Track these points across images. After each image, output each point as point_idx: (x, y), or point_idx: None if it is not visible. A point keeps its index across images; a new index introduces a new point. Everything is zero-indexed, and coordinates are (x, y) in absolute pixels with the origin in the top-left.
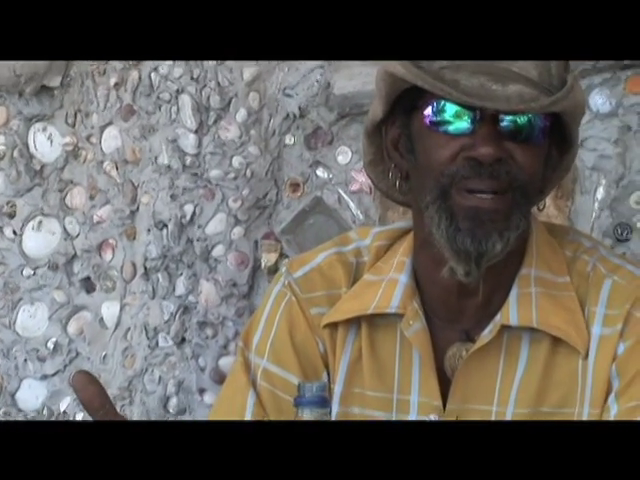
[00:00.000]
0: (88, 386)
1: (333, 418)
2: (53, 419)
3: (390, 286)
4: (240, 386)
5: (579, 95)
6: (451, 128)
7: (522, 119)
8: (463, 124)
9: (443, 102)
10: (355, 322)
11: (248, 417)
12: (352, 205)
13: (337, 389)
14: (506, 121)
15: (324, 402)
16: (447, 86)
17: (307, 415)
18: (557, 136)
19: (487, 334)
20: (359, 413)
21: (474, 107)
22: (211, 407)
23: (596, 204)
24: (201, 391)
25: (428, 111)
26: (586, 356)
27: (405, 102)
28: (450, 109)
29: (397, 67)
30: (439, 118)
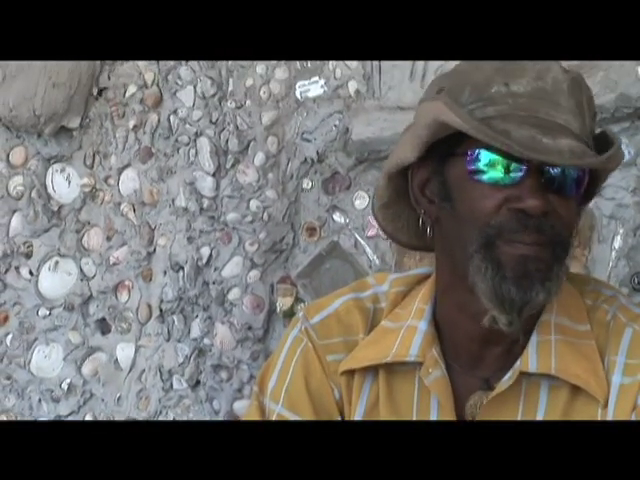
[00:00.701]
0: None
1: None
2: None
3: (409, 333)
4: None
5: (622, 152)
6: (497, 178)
7: (566, 173)
8: (510, 175)
9: (489, 151)
10: (372, 369)
11: None
12: (369, 250)
13: None
14: (550, 174)
15: None
16: (504, 137)
17: None
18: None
19: (506, 380)
20: None
21: (527, 159)
22: None
23: (613, 253)
24: None
25: (472, 160)
26: (605, 405)
27: (441, 148)
28: (496, 159)
29: (451, 117)
30: (484, 167)
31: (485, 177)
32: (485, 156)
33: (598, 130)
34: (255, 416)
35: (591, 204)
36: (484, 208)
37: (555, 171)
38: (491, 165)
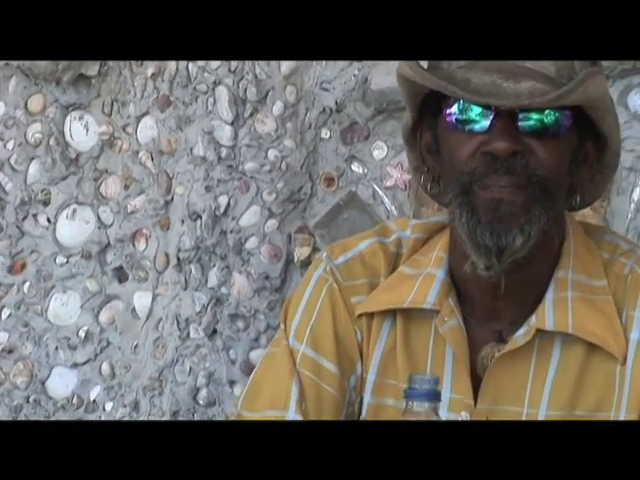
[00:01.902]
0: None
1: (365, 409)
2: (83, 408)
3: (427, 281)
4: (285, 370)
5: (593, 88)
6: (469, 126)
7: (540, 114)
8: (480, 122)
9: (459, 102)
10: (391, 313)
11: (293, 405)
12: (386, 200)
13: (370, 378)
14: (523, 117)
15: (435, 396)
16: (454, 85)
17: (417, 407)
18: (590, 132)
19: (521, 337)
20: (392, 405)
21: (487, 105)
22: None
23: (632, 205)
24: (231, 383)
25: (448, 111)
26: (624, 362)
27: (432, 106)
28: (468, 108)
29: (405, 69)
30: (458, 117)
31: (460, 126)
32: (457, 106)
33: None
34: (284, 356)
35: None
36: (460, 155)
37: (526, 114)
38: (464, 114)
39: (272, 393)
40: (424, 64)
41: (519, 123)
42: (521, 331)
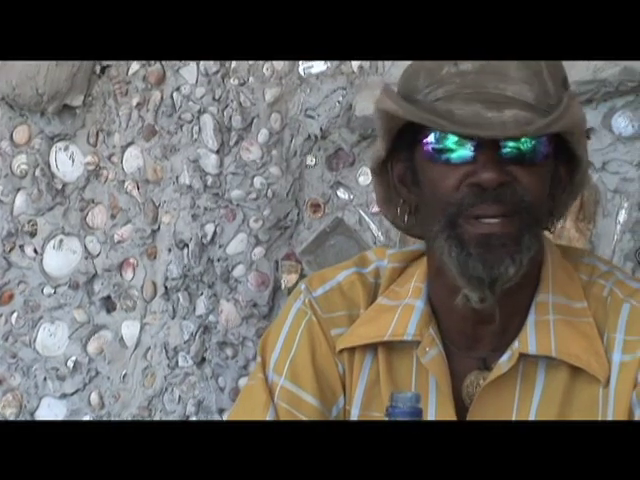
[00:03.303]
0: None
1: None
2: None
3: (406, 312)
4: (259, 403)
5: (576, 113)
6: (452, 157)
7: (524, 143)
8: (464, 152)
9: (436, 133)
10: (372, 346)
11: None
12: (373, 226)
13: (354, 412)
14: (507, 146)
15: (417, 413)
16: (440, 118)
17: None
18: (563, 155)
19: (505, 362)
20: None
21: (474, 137)
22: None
23: (618, 227)
24: (220, 411)
25: (428, 143)
26: (607, 384)
27: (407, 137)
28: (449, 139)
29: (388, 103)
30: (439, 147)
31: (442, 157)
32: (437, 138)
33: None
34: (260, 388)
35: (595, 178)
36: (444, 187)
37: (510, 143)
38: (445, 145)
39: None
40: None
41: (503, 151)
42: (505, 357)
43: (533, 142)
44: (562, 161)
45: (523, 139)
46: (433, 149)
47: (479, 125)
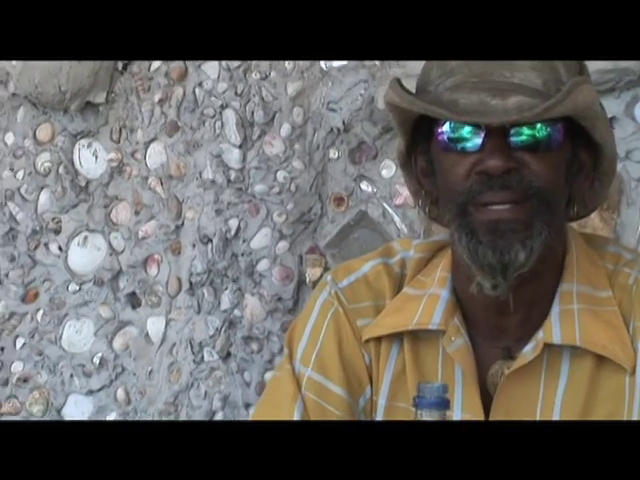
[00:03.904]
0: None
1: None
2: None
3: (432, 301)
4: (288, 394)
5: (581, 98)
6: (461, 146)
7: (530, 128)
8: (472, 140)
9: (450, 123)
10: (398, 336)
11: None
12: (397, 219)
13: (381, 402)
14: (514, 132)
15: (444, 404)
16: (443, 107)
17: (427, 416)
18: (583, 141)
19: (529, 352)
20: None
21: (477, 124)
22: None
23: None
24: (247, 406)
25: (440, 132)
26: (633, 372)
27: (424, 129)
28: (459, 127)
29: (392, 96)
30: (450, 136)
31: (452, 147)
32: (447, 126)
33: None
34: (288, 379)
35: (619, 167)
36: (455, 176)
37: (517, 129)
38: (455, 135)
39: (276, 417)
40: (411, 88)
41: (511, 139)
42: (529, 346)
43: (542, 127)
44: (583, 147)
45: (530, 125)
46: (445, 139)
47: (482, 113)
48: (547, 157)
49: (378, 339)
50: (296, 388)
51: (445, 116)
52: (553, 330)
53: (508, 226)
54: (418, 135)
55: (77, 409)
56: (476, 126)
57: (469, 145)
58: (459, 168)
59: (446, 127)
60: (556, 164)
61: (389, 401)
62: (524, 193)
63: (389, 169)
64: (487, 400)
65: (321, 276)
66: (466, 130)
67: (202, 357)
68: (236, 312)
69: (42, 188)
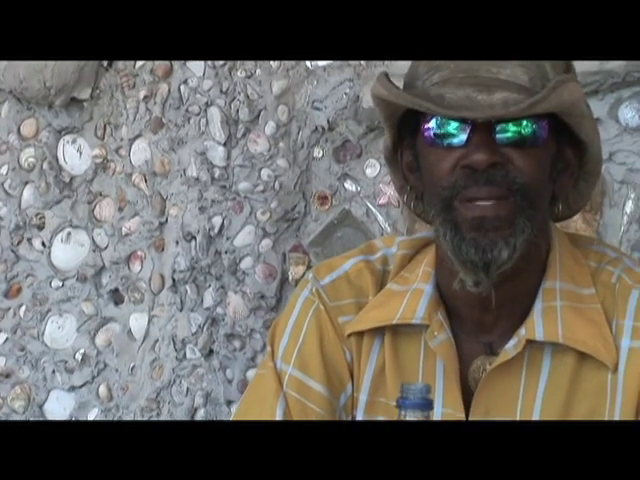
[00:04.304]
0: None
1: None
2: None
3: (415, 296)
4: (270, 392)
5: (566, 95)
6: (446, 141)
7: (516, 124)
8: (458, 135)
9: (437, 118)
10: (380, 331)
11: None
12: (380, 218)
13: (362, 398)
14: (500, 128)
15: (427, 404)
16: (429, 102)
17: (410, 417)
18: (568, 138)
19: (512, 348)
20: None
21: (463, 118)
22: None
23: (625, 217)
24: (229, 403)
25: (426, 127)
26: (615, 370)
27: (410, 124)
28: (445, 123)
29: (379, 89)
30: (436, 132)
31: (438, 142)
32: (433, 122)
33: None
34: (271, 377)
35: (602, 169)
36: (440, 171)
37: (502, 125)
38: (440, 129)
39: (258, 414)
40: (399, 83)
41: (496, 135)
42: (511, 343)
43: (527, 124)
44: (568, 145)
45: (516, 121)
46: (431, 135)
47: (468, 107)
48: (532, 154)
49: (360, 334)
50: (278, 386)
51: (431, 110)
52: (535, 327)
53: (492, 223)
54: (404, 130)
55: (59, 405)
56: (462, 121)
57: (455, 140)
58: (444, 163)
59: (432, 123)
60: (541, 161)
61: (370, 396)
62: (507, 188)
63: (373, 168)
64: (468, 395)
65: (304, 274)
66: (452, 126)
67: (184, 354)
68: (219, 309)
69: (26, 183)
